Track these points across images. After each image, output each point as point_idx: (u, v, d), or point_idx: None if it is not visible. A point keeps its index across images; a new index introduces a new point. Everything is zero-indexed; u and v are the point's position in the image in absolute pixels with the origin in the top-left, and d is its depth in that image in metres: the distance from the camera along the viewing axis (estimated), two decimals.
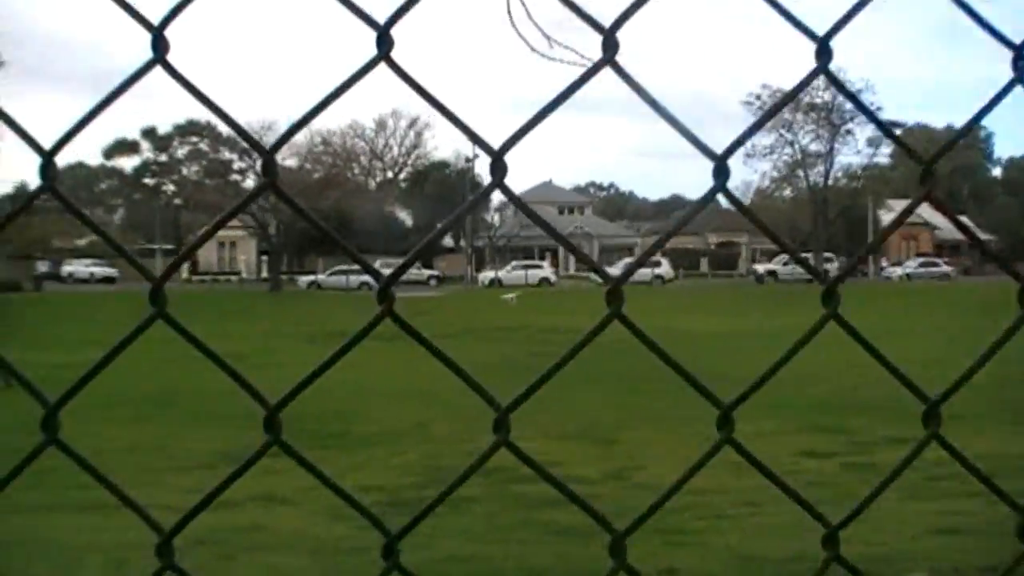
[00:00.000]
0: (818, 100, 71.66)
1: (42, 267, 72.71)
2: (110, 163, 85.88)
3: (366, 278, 49.92)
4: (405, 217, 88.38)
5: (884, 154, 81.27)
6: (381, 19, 1.46)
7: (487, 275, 75.12)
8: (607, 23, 1.48)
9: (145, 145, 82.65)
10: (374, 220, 77.99)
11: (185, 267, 77.71)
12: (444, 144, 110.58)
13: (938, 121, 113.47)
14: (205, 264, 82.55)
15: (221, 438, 14.91)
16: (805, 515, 1.64)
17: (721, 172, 1.54)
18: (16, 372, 1.55)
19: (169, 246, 75.45)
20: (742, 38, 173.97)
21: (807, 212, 78.24)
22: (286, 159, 71.83)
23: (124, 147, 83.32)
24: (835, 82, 1.61)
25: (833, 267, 71.59)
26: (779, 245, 1.85)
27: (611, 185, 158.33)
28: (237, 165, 75.86)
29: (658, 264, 73.26)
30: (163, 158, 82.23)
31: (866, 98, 69.85)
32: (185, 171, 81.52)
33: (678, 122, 1.53)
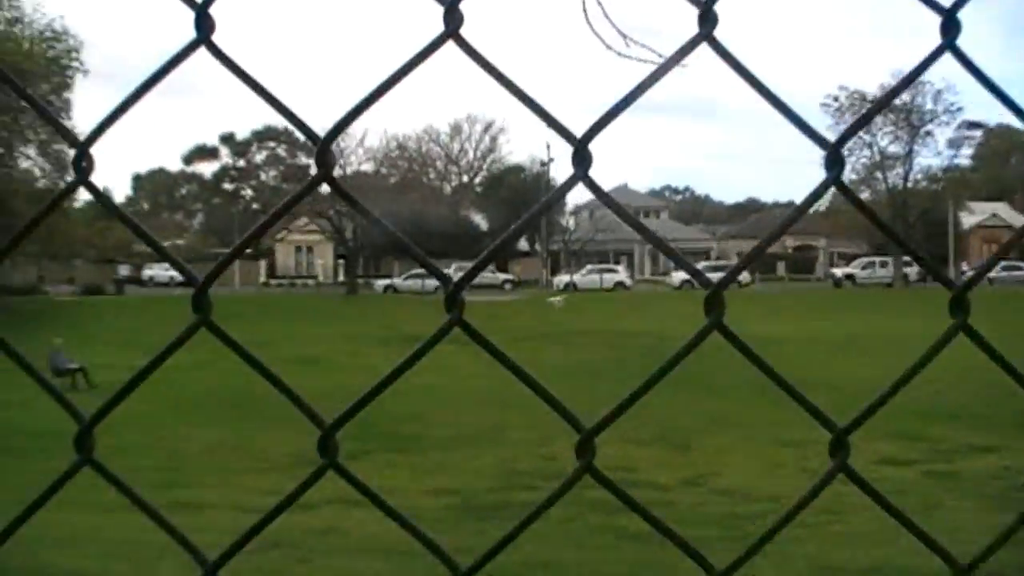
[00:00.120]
0: (897, 101, 70.42)
1: (123, 271, 74.12)
2: (190, 168, 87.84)
3: None
4: (480, 221, 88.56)
5: (965, 156, 79.79)
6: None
7: (562, 279, 74.99)
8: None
9: (224, 151, 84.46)
10: (449, 224, 78.23)
11: (263, 270, 78.85)
12: (519, 148, 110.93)
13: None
14: (283, 268, 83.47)
15: (296, 441, 15.01)
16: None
17: (836, 162, 1.37)
18: (50, 385, 1.51)
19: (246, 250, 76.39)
20: (817, 39, 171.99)
21: (886, 215, 76.91)
22: (362, 164, 72.72)
23: (203, 152, 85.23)
24: (962, 59, 1.39)
25: (912, 271, 70.43)
26: (898, 243, 1.74)
27: (687, 188, 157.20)
28: (314, 170, 76.71)
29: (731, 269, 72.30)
30: (241, 163, 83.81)
31: (947, 98, 68.70)
32: (263, 176, 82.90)
33: (785, 106, 1.37)
